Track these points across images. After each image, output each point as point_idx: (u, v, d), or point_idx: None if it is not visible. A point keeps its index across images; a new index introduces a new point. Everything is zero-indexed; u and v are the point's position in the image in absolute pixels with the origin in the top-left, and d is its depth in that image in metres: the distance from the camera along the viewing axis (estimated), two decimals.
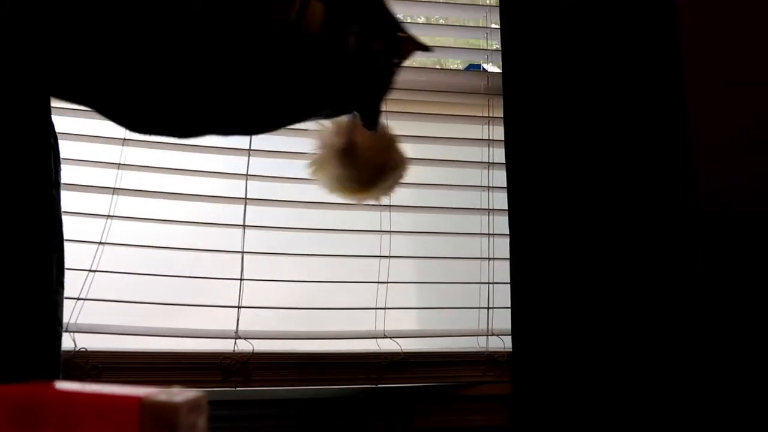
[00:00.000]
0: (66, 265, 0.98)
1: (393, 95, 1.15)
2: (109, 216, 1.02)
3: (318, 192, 1.13)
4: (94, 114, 1.07)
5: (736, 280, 1.09)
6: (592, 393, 1.00)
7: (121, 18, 0.49)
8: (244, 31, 0.52)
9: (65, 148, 1.05)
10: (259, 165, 1.10)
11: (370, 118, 0.67)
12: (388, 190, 0.86)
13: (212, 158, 1.12)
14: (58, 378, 0.58)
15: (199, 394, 0.36)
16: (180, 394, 0.35)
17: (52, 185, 0.60)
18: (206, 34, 0.51)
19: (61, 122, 1.05)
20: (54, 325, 0.58)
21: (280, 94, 0.56)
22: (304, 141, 1.15)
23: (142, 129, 0.59)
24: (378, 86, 0.65)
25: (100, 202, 1.02)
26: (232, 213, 1.07)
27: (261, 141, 1.12)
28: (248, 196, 1.08)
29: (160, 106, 0.54)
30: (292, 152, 1.14)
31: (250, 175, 1.09)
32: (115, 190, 1.03)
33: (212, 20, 0.51)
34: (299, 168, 1.15)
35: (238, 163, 1.09)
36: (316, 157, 0.80)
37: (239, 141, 1.11)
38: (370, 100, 0.66)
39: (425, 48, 0.68)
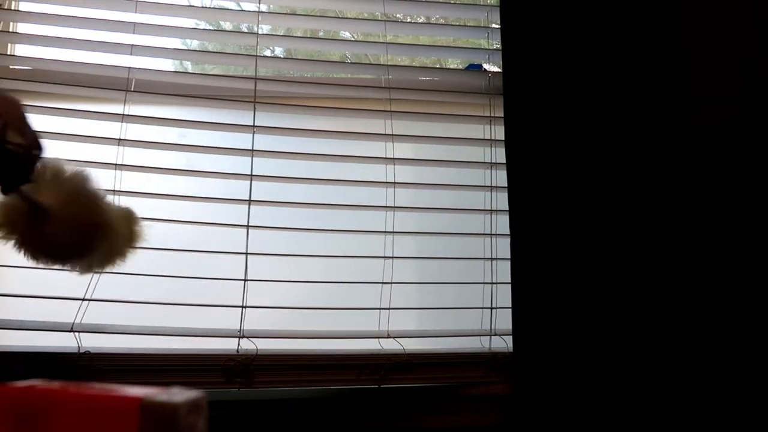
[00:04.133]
0: None
1: (393, 95, 1.18)
2: None
3: (322, 192, 1.15)
4: (91, 114, 1.08)
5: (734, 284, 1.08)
6: (594, 393, 1.00)
7: None
8: None
9: (64, 149, 1.07)
10: (263, 166, 1.10)
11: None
12: (108, 256, 0.80)
13: (215, 159, 1.13)
14: None
15: (198, 394, 0.36)
16: (180, 394, 0.35)
17: None
18: None
19: (58, 122, 1.07)
20: None
21: None
22: (307, 141, 1.17)
23: None
24: None
25: None
26: (236, 214, 1.08)
27: (264, 142, 1.12)
28: (252, 198, 1.08)
29: None
30: (297, 153, 1.14)
31: (254, 175, 1.09)
32: (115, 192, 1.04)
33: None
34: (304, 168, 1.17)
35: (242, 164, 1.10)
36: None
37: (242, 142, 1.12)
38: None
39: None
